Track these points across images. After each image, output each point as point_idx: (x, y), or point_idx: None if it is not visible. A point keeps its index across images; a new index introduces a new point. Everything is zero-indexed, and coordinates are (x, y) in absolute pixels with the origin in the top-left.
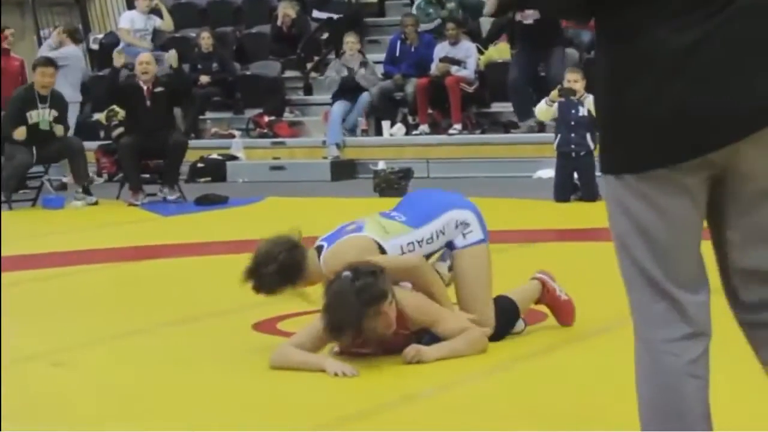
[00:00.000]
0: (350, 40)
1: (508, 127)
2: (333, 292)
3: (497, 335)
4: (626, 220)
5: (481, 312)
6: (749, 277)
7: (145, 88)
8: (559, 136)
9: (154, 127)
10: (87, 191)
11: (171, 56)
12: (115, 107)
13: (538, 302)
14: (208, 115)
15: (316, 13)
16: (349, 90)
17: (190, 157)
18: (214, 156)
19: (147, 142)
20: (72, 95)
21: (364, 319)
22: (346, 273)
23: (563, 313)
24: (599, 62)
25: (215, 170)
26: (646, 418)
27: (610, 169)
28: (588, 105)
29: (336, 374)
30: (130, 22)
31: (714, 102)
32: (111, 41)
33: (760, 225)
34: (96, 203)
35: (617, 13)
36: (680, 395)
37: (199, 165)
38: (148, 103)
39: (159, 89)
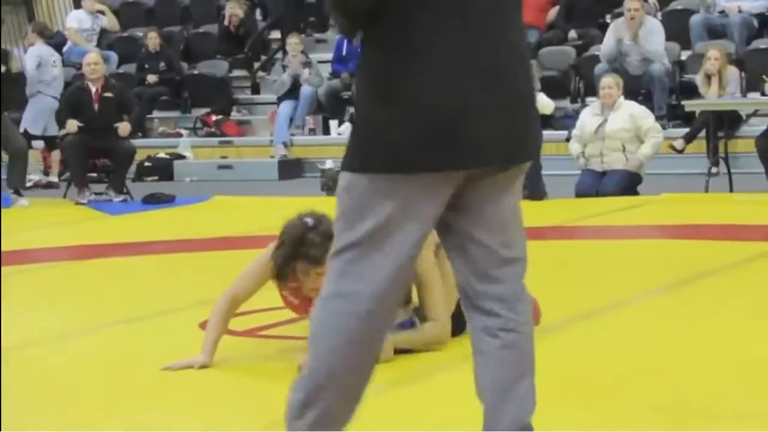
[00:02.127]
0: (293, 41)
1: None
2: (289, 225)
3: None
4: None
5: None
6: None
7: (93, 90)
8: None
9: (101, 130)
10: (18, 193)
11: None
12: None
13: None
14: (156, 114)
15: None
16: (293, 89)
17: (138, 156)
18: (162, 155)
19: (94, 142)
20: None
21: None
22: (308, 219)
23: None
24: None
25: (162, 169)
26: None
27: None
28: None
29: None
30: (78, 21)
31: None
32: (58, 41)
33: None
34: (25, 206)
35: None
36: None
37: (147, 164)
38: (96, 107)
39: (107, 94)
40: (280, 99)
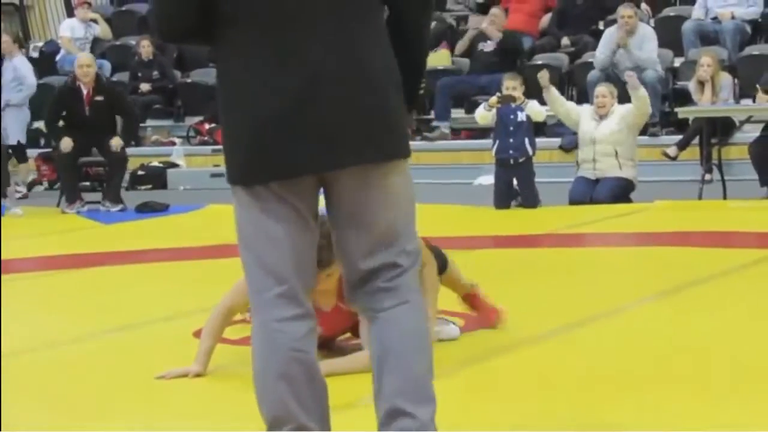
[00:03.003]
0: None
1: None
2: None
3: None
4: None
5: None
6: None
7: (85, 92)
8: (497, 142)
9: (92, 134)
10: None
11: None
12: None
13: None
14: (149, 122)
15: None
16: None
17: (131, 164)
18: (155, 164)
19: (86, 147)
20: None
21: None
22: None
23: (488, 314)
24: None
25: (156, 178)
26: (260, 387)
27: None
28: (528, 110)
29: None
30: (71, 30)
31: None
32: (51, 49)
33: None
34: (19, 215)
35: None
36: (286, 363)
37: (140, 173)
38: (87, 110)
39: (99, 98)
40: None
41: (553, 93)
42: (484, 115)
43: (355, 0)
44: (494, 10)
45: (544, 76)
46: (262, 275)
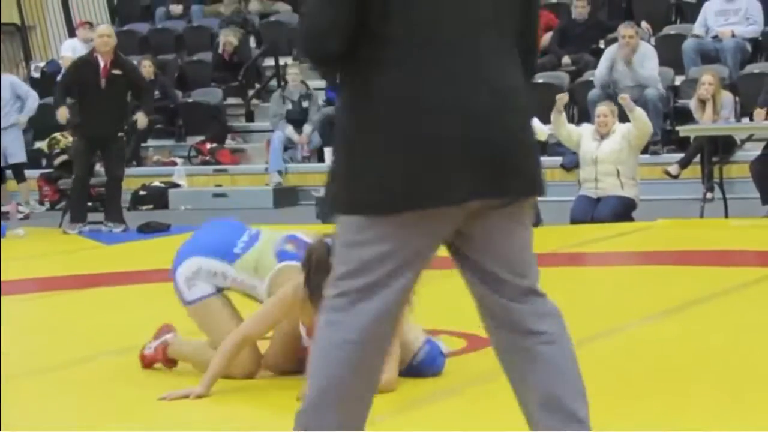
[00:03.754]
0: (293, 72)
1: None
2: (313, 249)
3: None
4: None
5: None
6: None
7: (102, 64)
8: None
9: (105, 112)
10: None
11: (140, 119)
12: (58, 135)
13: None
14: (150, 142)
15: None
16: (294, 121)
17: (133, 184)
18: (156, 184)
19: (97, 133)
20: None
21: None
22: (328, 239)
23: None
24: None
25: (157, 198)
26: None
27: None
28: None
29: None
30: (72, 50)
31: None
32: (53, 69)
33: None
34: (21, 236)
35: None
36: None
37: (141, 193)
38: (103, 83)
39: (116, 71)
40: (288, 121)
41: (562, 116)
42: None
43: (507, 25)
44: None
45: (562, 99)
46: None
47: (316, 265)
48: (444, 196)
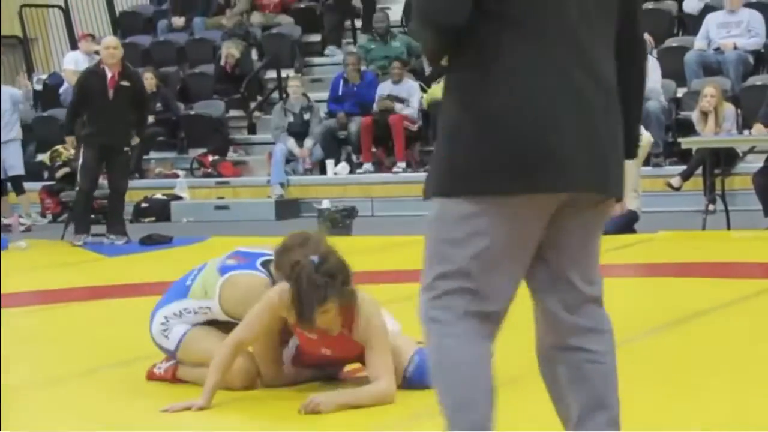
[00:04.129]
0: (294, 84)
1: None
2: (299, 269)
3: None
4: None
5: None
6: None
7: (109, 76)
8: None
9: (114, 123)
10: None
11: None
12: (59, 147)
13: None
14: (152, 155)
15: None
16: (295, 133)
17: (135, 197)
18: (159, 196)
19: (106, 143)
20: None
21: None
22: (314, 257)
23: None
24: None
25: (159, 210)
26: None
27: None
28: None
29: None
30: (74, 63)
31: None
32: (55, 82)
33: None
34: (23, 248)
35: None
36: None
37: (144, 205)
38: (111, 94)
39: (125, 83)
40: (290, 133)
41: None
42: None
43: (610, 12)
44: None
45: None
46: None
47: (307, 284)
48: (554, 181)
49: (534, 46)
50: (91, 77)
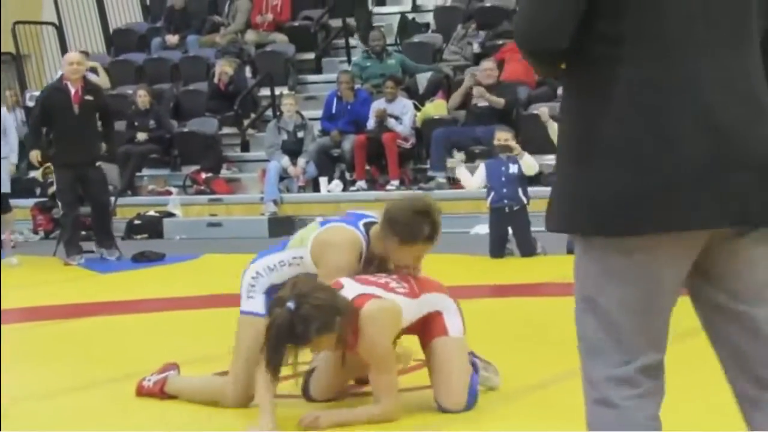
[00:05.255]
0: (288, 102)
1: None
2: (275, 317)
3: None
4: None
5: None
6: None
7: (73, 91)
8: (492, 192)
9: (82, 138)
10: None
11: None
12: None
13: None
14: (145, 172)
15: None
16: (289, 151)
17: (128, 214)
18: (151, 213)
19: (77, 158)
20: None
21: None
22: (290, 303)
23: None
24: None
25: (152, 227)
26: None
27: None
28: (522, 162)
29: None
30: None
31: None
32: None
33: None
34: (15, 265)
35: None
36: None
37: (136, 222)
38: (76, 109)
39: (89, 97)
40: (284, 151)
41: (554, 127)
42: (471, 181)
43: (752, 21)
44: (486, 64)
45: (544, 113)
46: (613, 345)
47: (276, 334)
48: (691, 218)
49: (657, 64)
50: (55, 93)
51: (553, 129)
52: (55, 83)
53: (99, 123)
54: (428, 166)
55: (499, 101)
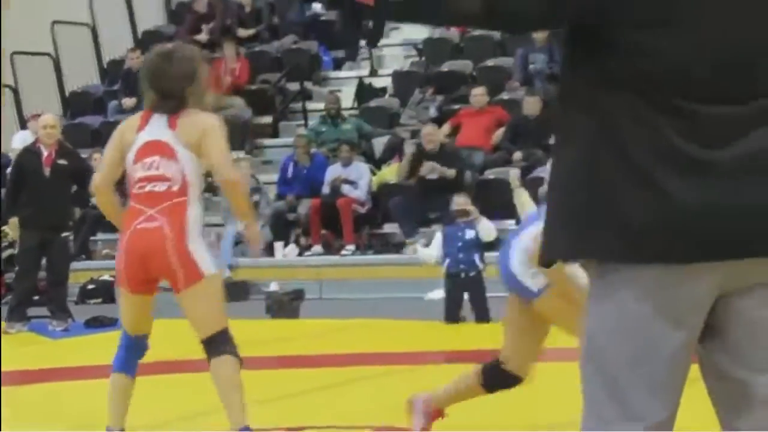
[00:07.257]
0: (244, 166)
1: (399, 247)
2: None
3: None
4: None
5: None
6: None
7: (45, 154)
8: (448, 258)
9: (52, 202)
10: None
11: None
12: (5, 228)
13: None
14: (100, 236)
15: None
16: None
17: (81, 278)
18: (105, 277)
19: (44, 224)
20: None
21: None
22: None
23: None
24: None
25: (106, 292)
26: None
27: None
28: (479, 228)
29: None
30: (23, 142)
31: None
32: (5, 162)
33: None
34: None
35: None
36: None
37: (90, 286)
38: (47, 173)
39: (62, 161)
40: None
41: (522, 192)
42: (427, 254)
43: None
44: (427, 129)
45: (514, 175)
46: (616, 401)
47: None
48: (711, 247)
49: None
50: (27, 156)
51: (519, 197)
52: (29, 146)
53: (74, 187)
54: (383, 230)
55: (451, 173)
